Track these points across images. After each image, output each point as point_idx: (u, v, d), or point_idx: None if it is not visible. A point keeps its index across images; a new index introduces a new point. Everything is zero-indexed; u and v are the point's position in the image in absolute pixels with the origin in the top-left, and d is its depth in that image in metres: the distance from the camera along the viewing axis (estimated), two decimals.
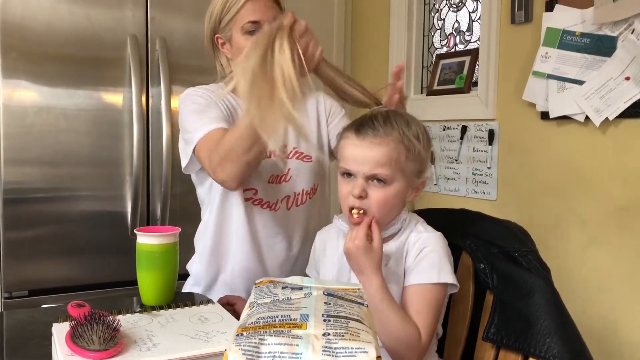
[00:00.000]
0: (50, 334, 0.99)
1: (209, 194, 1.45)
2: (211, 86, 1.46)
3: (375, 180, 1.07)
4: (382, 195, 1.07)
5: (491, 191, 2.11)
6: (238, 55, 1.38)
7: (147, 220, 2.21)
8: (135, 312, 1.07)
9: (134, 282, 2.09)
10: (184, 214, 2.26)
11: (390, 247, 1.13)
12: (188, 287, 1.52)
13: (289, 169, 1.43)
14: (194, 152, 1.33)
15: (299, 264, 1.46)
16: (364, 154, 1.07)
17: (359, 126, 1.09)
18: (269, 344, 0.67)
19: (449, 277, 1.08)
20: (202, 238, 1.47)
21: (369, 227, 1.05)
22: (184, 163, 1.41)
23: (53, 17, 2.03)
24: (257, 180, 1.39)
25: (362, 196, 1.07)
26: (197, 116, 1.34)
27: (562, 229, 1.88)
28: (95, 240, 2.12)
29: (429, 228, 1.16)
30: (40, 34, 2.01)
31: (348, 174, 1.10)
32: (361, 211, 1.08)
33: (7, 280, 1.99)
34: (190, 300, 1.15)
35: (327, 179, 1.52)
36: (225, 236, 1.43)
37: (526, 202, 1.99)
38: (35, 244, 2.03)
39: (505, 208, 2.05)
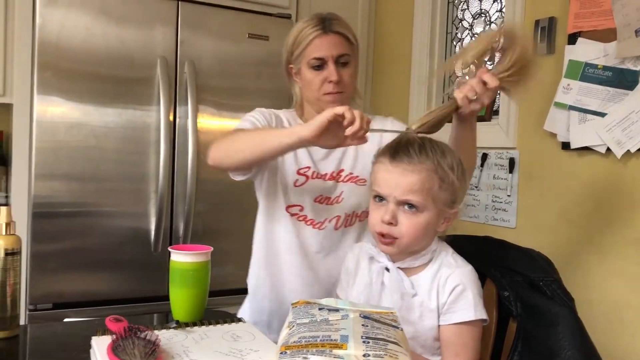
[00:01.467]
0: (89, 347, 1.02)
1: (259, 199, 1.52)
2: (282, 111, 1.52)
3: (406, 206, 1.08)
4: (413, 222, 1.08)
5: (510, 219, 2.13)
6: (306, 86, 1.46)
7: (170, 238, 2.25)
8: (170, 328, 1.10)
9: (156, 298, 2.15)
10: (206, 232, 2.30)
11: (421, 278, 1.13)
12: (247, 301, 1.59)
13: (342, 192, 1.46)
14: None
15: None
16: (396, 179, 1.08)
17: (394, 152, 1.10)
18: None
19: (483, 313, 1.10)
20: (255, 245, 1.53)
21: None
22: None
23: (87, 38, 2.10)
24: (303, 197, 1.44)
25: (392, 222, 1.08)
26: (244, 120, 1.44)
27: (581, 259, 1.89)
28: (119, 255, 2.16)
29: (460, 260, 1.15)
30: (74, 53, 2.08)
31: (380, 198, 1.12)
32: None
33: (32, 293, 2.03)
34: (221, 318, 1.18)
35: None
36: (275, 246, 1.48)
37: (545, 231, 2.01)
38: (61, 258, 2.07)
39: (524, 236, 2.07)
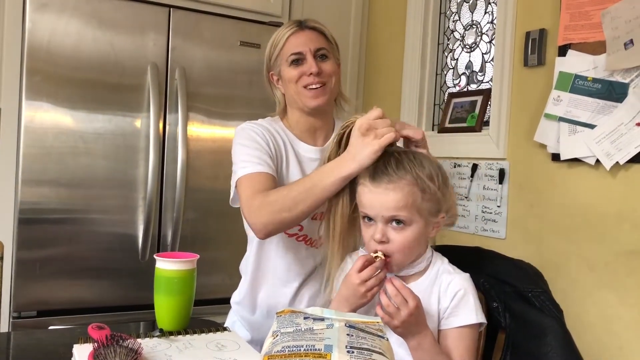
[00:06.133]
0: (70, 355, 1.00)
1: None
2: (267, 120, 1.50)
3: (394, 223, 1.10)
4: (403, 237, 1.10)
5: (500, 230, 2.13)
6: (287, 86, 1.44)
7: (158, 245, 2.23)
8: (153, 336, 1.08)
9: (142, 306, 2.12)
10: (195, 240, 2.28)
11: (419, 284, 1.15)
12: (229, 318, 1.57)
13: None
14: (236, 184, 1.36)
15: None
16: (380, 199, 1.10)
17: (373, 172, 1.12)
18: None
19: (484, 317, 1.13)
20: (244, 272, 1.51)
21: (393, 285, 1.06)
22: (231, 195, 1.42)
23: (78, 43, 2.08)
24: None
25: (384, 240, 1.11)
26: (248, 152, 1.37)
27: (569, 271, 1.89)
28: (106, 263, 2.13)
29: (456, 268, 1.18)
30: (64, 58, 2.07)
31: (369, 218, 1.14)
32: (382, 256, 1.10)
33: (16, 301, 2.00)
34: (207, 326, 1.17)
35: None
36: (263, 273, 1.46)
37: (535, 242, 2.01)
38: (46, 265, 2.05)
39: (513, 247, 2.06)
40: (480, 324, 1.14)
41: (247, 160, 1.35)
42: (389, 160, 1.12)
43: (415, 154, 1.15)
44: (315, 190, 1.20)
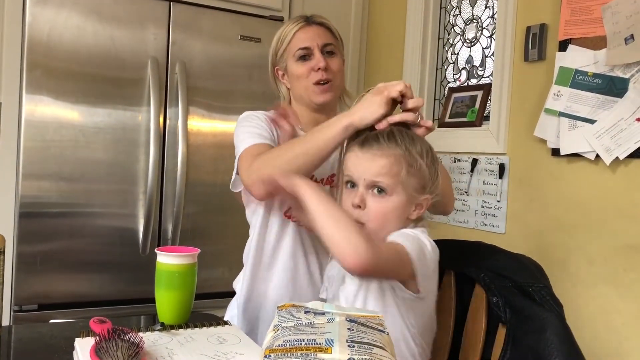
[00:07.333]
0: (72, 349, 1.00)
1: (253, 215, 1.48)
2: (270, 112, 1.49)
3: (375, 190, 1.10)
4: (381, 206, 1.10)
5: (500, 224, 2.14)
6: (294, 81, 1.45)
7: (159, 239, 2.24)
8: (154, 330, 1.09)
9: (143, 300, 2.13)
10: (195, 234, 2.28)
11: None
12: (228, 311, 1.56)
13: (336, 197, 1.44)
14: (237, 161, 1.36)
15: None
16: (365, 164, 1.11)
17: (363, 140, 1.13)
18: None
19: (409, 245, 1.06)
20: (247, 258, 1.51)
21: None
22: (232, 179, 1.42)
23: (78, 37, 2.08)
24: None
25: (361, 206, 1.10)
26: (249, 130, 1.38)
27: (569, 266, 1.89)
28: (106, 257, 2.14)
29: (417, 229, 1.13)
30: (64, 52, 2.06)
31: (352, 184, 1.13)
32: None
33: (17, 294, 2.01)
34: (207, 320, 1.17)
35: None
36: (265, 258, 1.46)
37: (534, 237, 2.01)
38: (47, 259, 2.05)
39: (513, 242, 2.07)
40: (411, 265, 1.04)
41: (247, 137, 1.36)
42: (382, 133, 1.13)
43: (408, 132, 1.15)
44: (316, 140, 1.20)
